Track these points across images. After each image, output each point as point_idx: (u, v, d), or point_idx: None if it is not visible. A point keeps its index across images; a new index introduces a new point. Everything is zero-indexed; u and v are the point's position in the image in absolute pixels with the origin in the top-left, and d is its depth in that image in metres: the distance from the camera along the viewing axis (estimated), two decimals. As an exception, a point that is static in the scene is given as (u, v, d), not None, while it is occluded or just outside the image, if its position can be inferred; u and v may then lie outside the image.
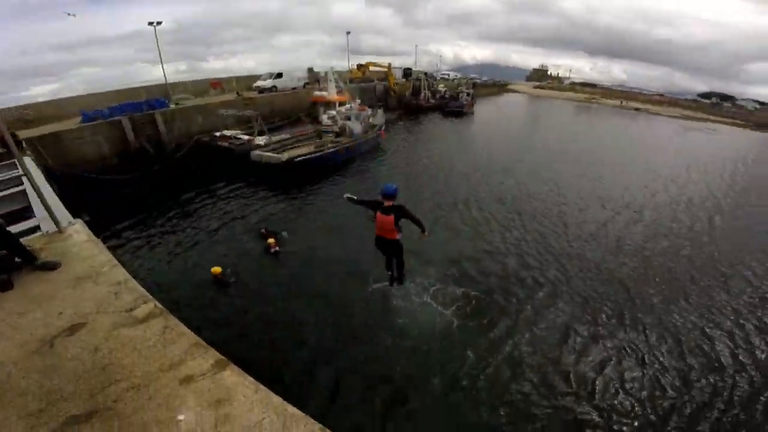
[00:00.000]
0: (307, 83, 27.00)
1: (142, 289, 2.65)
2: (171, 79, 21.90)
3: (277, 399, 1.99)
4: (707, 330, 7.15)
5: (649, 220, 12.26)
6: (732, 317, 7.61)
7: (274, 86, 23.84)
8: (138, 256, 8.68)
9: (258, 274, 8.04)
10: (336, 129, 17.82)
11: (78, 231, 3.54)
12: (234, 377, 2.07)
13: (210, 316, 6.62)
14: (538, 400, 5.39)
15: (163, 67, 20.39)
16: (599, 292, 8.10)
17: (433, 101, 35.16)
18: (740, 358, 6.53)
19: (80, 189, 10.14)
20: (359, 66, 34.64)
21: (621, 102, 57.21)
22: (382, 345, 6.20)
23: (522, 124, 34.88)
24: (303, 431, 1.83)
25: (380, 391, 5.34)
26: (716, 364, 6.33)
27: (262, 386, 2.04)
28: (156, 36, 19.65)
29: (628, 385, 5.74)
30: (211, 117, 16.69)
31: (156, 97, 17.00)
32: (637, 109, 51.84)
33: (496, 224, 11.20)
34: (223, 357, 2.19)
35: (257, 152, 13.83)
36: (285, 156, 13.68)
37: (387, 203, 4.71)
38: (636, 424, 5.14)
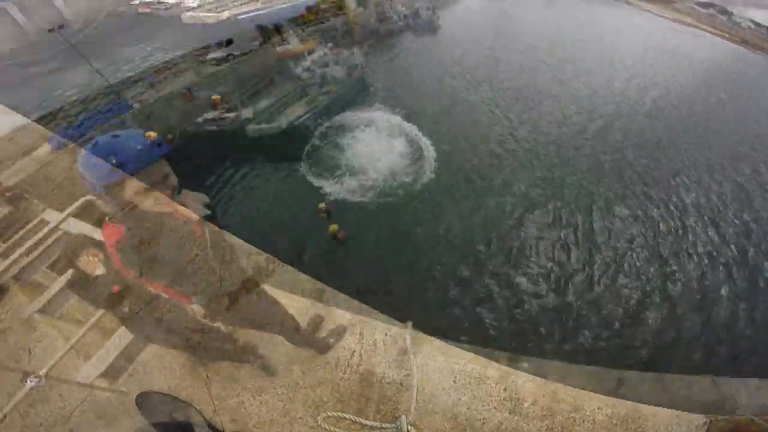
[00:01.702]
0: (262, 42, 24.31)
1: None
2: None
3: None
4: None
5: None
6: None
7: (230, 54, 21.40)
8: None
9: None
10: (317, 80, 16.40)
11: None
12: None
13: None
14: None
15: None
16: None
17: (400, 23, 32.20)
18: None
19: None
20: (308, 9, 31.07)
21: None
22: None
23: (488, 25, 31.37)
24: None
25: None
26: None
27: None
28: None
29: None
30: (185, 104, 15.08)
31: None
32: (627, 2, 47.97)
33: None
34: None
35: (252, 126, 12.71)
36: (283, 122, 12.64)
37: None
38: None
